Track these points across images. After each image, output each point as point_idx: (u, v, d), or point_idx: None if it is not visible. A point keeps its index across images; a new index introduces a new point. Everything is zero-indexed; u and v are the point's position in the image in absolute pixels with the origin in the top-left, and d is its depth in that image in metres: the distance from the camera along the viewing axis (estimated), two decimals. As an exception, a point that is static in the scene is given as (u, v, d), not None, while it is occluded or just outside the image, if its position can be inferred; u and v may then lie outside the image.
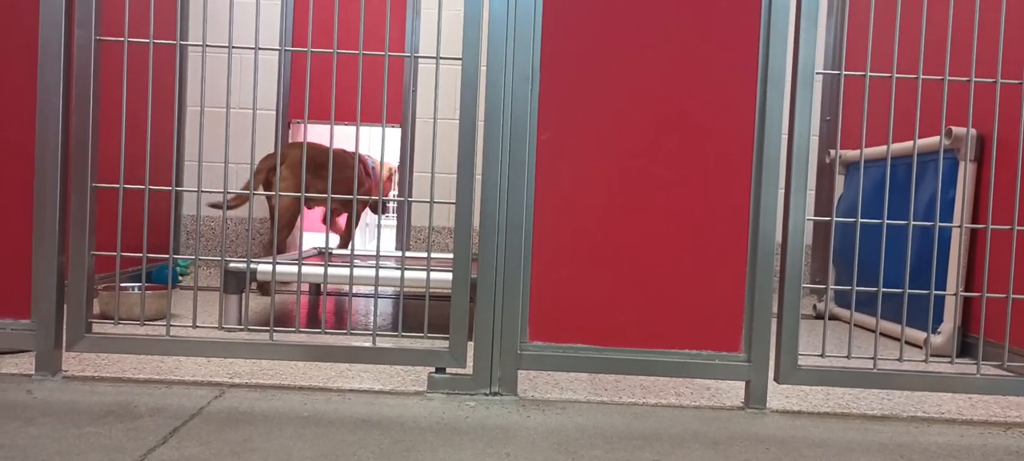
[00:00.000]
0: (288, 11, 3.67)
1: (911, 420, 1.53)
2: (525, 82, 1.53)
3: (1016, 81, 1.59)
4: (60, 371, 1.57)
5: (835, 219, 1.61)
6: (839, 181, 3.08)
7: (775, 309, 1.55)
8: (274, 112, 3.70)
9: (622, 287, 1.55)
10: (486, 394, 1.55)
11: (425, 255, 3.10)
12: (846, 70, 3.14)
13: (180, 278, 3.06)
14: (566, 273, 1.55)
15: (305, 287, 3.22)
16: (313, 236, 8.15)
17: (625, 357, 1.54)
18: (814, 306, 3.17)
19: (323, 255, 2.94)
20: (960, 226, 1.61)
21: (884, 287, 2.34)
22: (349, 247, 3.32)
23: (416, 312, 2.73)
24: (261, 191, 1.66)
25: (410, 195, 3.73)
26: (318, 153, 3.07)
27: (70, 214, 1.53)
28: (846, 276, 2.95)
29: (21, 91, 1.54)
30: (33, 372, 1.55)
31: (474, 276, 1.60)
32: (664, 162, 1.54)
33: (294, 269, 2.07)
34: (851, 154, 3.01)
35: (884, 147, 2.75)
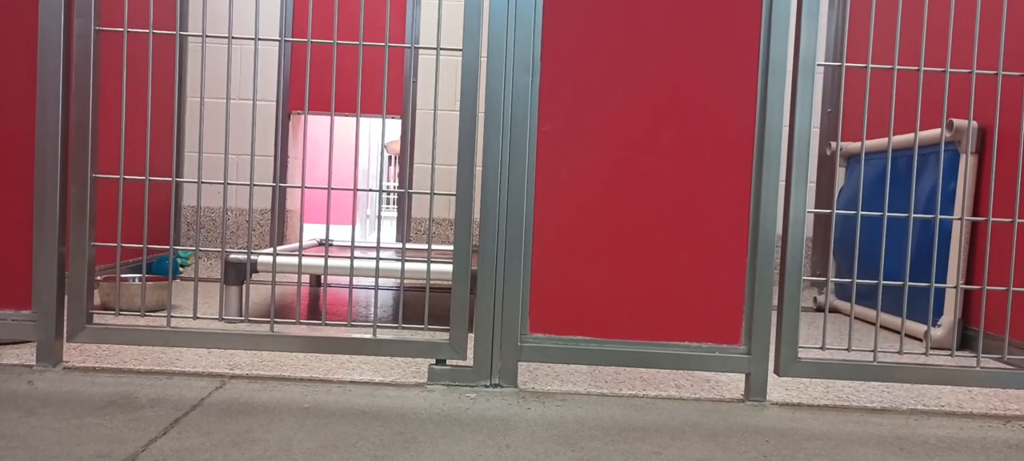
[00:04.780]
0: (288, 1, 3.66)
1: (911, 413, 1.53)
2: (526, 73, 1.52)
3: (1017, 73, 1.58)
4: (61, 362, 1.57)
5: (836, 211, 1.61)
6: (840, 173, 3.07)
7: (775, 301, 1.55)
8: (274, 103, 3.69)
9: (622, 279, 1.55)
10: (486, 386, 1.55)
11: (425, 247, 3.10)
12: (847, 62, 3.13)
13: (181, 269, 3.06)
14: (566, 265, 1.55)
15: (305, 278, 3.22)
16: (313, 227, 8.15)
17: (625, 349, 1.54)
18: (814, 299, 3.18)
19: (324, 246, 2.94)
20: (961, 219, 1.61)
21: (884, 280, 2.34)
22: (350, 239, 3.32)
23: (416, 304, 2.73)
24: (261, 183, 1.66)
25: (410, 186, 3.73)
26: None
27: (70, 205, 1.53)
28: (847, 268, 2.95)
29: (21, 81, 1.53)
30: (34, 363, 1.55)
31: (474, 268, 1.60)
32: (665, 154, 1.54)
33: (295, 260, 2.07)
34: (852, 146, 3.01)
35: (885, 139, 2.75)
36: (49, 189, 1.51)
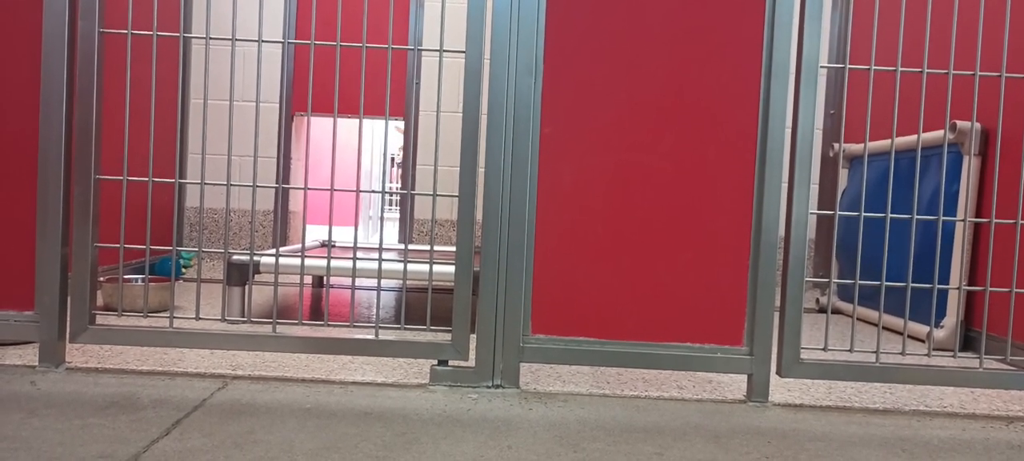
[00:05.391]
0: (291, 3, 3.67)
1: (913, 414, 1.53)
2: (528, 75, 1.53)
3: (1021, 75, 1.58)
4: (63, 362, 1.57)
5: (838, 213, 1.61)
6: (842, 175, 3.07)
7: (777, 302, 1.55)
8: (277, 105, 3.70)
9: (624, 280, 1.55)
10: (488, 386, 1.55)
11: (428, 248, 3.10)
12: (850, 64, 3.13)
13: (183, 270, 3.07)
14: (568, 266, 1.55)
15: (308, 279, 3.22)
16: (316, 228, 8.16)
17: (627, 350, 1.54)
18: (817, 300, 3.17)
19: (326, 247, 2.94)
20: (964, 220, 1.60)
21: (887, 281, 2.34)
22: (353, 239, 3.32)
23: (419, 305, 2.73)
24: (264, 184, 1.66)
25: (413, 188, 3.73)
26: None
27: (73, 206, 1.53)
28: (849, 270, 2.95)
29: (25, 83, 1.54)
30: (37, 363, 1.56)
31: (477, 269, 1.60)
32: (667, 155, 1.54)
33: (297, 261, 2.07)
34: (855, 148, 3.01)
35: (888, 141, 2.74)
36: (52, 190, 1.52)
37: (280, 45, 3.64)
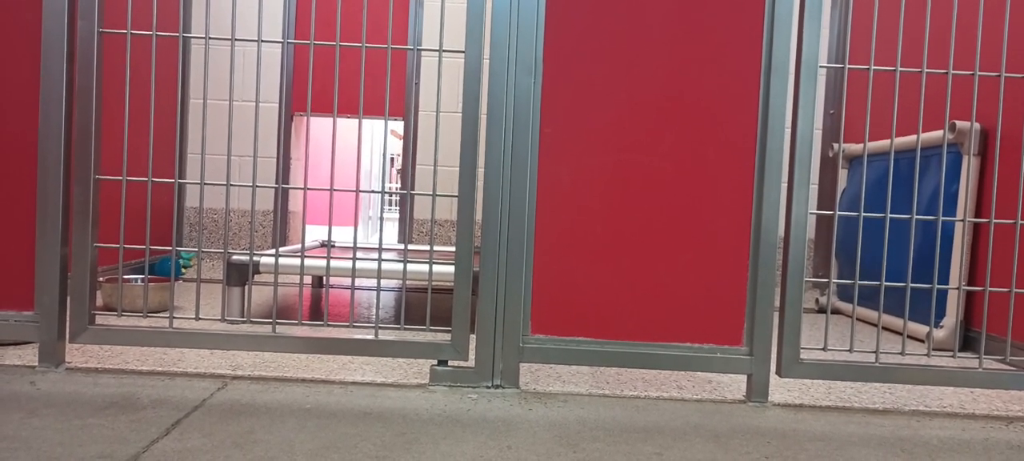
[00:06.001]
0: (291, 3, 3.67)
1: (913, 414, 1.53)
2: (528, 75, 1.53)
3: (1020, 75, 1.58)
4: (63, 363, 1.57)
5: (838, 213, 1.61)
6: (842, 175, 3.07)
7: (777, 303, 1.55)
8: (277, 105, 3.70)
9: (624, 280, 1.55)
10: (488, 387, 1.55)
11: (427, 248, 3.10)
12: (850, 64, 3.13)
13: (183, 270, 3.06)
14: (568, 266, 1.55)
15: (307, 280, 3.22)
16: (315, 229, 8.16)
17: (627, 350, 1.54)
18: (816, 300, 3.17)
19: (326, 247, 2.94)
20: (963, 220, 1.60)
21: (887, 281, 2.34)
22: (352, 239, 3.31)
23: (419, 305, 2.73)
24: (264, 184, 1.66)
25: (413, 188, 3.73)
26: None
27: (73, 206, 1.53)
28: (849, 270, 2.95)
29: (24, 84, 1.54)
30: (36, 364, 1.56)
31: (476, 269, 1.60)
32: (667, 155, 1.54)
33: (297, 261, 2.07)
34: (854, 148, 3.01)
35: (887, 141, 2.74)
36: (52, 190, 1.52)
37: (280, 45, 3.64)
